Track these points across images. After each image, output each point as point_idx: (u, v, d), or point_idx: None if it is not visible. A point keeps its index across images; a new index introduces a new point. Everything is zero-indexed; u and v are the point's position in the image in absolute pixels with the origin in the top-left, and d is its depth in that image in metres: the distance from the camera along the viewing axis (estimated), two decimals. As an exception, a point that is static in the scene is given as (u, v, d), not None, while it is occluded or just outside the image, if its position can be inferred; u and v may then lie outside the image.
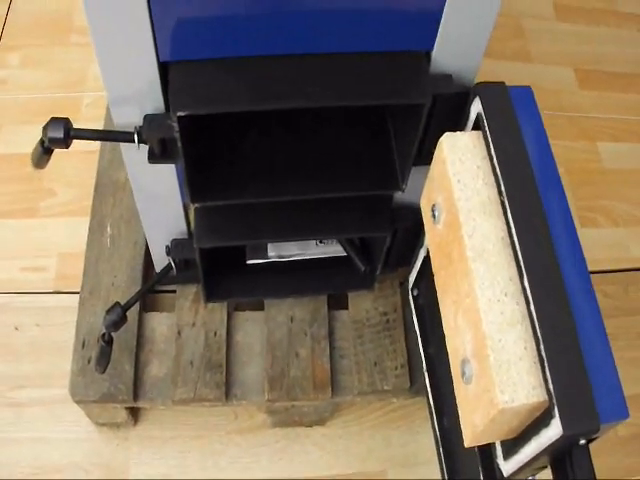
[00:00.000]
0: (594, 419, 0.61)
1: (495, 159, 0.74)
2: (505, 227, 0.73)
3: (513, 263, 0.71)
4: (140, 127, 0.85)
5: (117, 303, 1.08)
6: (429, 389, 1.09)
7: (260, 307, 1.29)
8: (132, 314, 1.18)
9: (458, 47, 0.83)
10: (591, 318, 0.68)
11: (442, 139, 0.79)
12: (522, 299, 0.69)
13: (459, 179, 0.76)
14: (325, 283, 1.24)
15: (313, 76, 0.83)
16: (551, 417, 0.63)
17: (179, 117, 0.80)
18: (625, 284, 1.40)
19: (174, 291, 1.29)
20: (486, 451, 0.83)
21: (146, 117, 0.86)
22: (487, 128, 0.75)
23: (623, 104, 1.67)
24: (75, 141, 0.86)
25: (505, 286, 0.70)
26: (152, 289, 1.20)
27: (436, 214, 0.82)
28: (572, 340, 0.65)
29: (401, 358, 1.21)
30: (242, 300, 1.26)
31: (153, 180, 0.99)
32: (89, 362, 1.18)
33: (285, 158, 0.98)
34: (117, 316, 1.07)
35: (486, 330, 0.68)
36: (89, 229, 1.33)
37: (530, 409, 0.65)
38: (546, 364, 0.64)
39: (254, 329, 1.26)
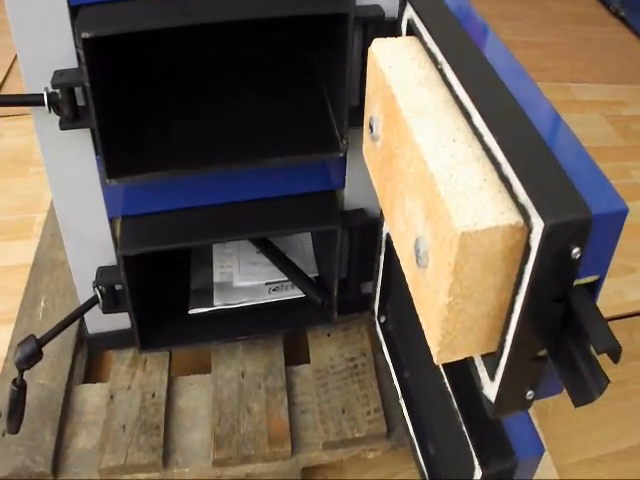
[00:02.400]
0: (583, 212, 0.45)
1: (430, 36, 0.64)
2: (448, 93, 0.61)
3: (460, 118, 0.58)
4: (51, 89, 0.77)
5: (32, 335, 0.92)
6: (407, 416, 0.89)
7: (207, 370, 1.09)
8: (59, 383, 1.04)
9: None
10: (553, 126, 0.54)
11: (371, 46, 0.70)
12: (475, 143, 0.55)
13: (390, 65, 0.66)
14: (279, 323, 1.07)
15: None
16: (529, 249, 0.47)
17: (84, 40, 0.72)
18: (629, 330, 1.33)
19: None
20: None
21: (56, 72, 0.79)
22: (420, 19, 0.66)
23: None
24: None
25: (452, 134, 0.57)
26: (73, 321, 1.02)
27: (374, 127, 0.70)
28: (538, 145, 0.50)
29: (374, 402, 1.01)
30: (183, 348, 1.07)
31: (75, 185, 0.90)
32: (4, 435, 0.97)
33: (216, 131, 0.89)
34: (31, 349, 0.90)
35: (434, 170, 0.53)
36: (21, 305, 1.20)
37: (502, 240, 0.49)
38: (513, 176, 0.49)
39: (200, 393, 1.07)
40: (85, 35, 0.71)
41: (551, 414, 1.15)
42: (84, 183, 0.89)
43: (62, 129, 0.80)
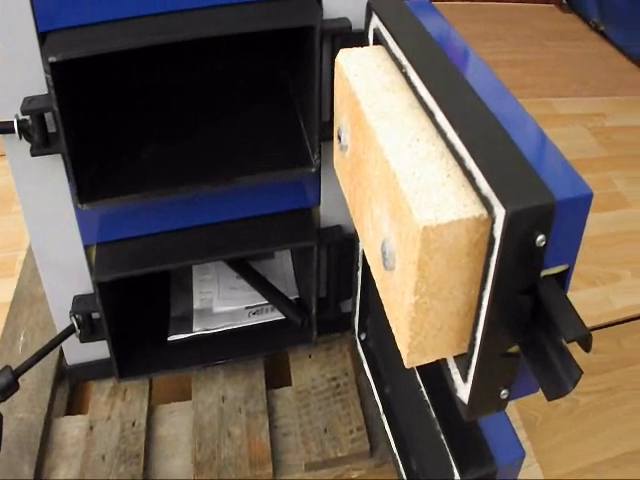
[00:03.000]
0: (546, 197, 0.45)
1: (394, 42, 0.64)
2: (412, 97, 0.61)
3: (424, 118, 0.58)
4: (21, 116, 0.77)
5: (7, 366, 0.90)
6: (389, 432, 0.88)
7: (188, 397, 1.08)
8: (38, 416, 1.02)
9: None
10: (516, 117, 0.54)
11: (337, 57, 0.71)
12: (439, 141, 0.55)
13: (356, 74, 0.66)
14: (259, 345, 1.06)
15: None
16: (494, 240, 0.46)
17: (51, 64, 0.72)
18: (617, 337, 1.33)
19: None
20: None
21: (25, 98, 0.78)
22: (385, 26, 0.67)
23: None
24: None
25: (416, 134, 0.57)
26: (50, 350, 1.00)
27: (342, 136, 0.70)
28: (499, 137, 0.50)
29: (357, 421, 0.99)
30: (162, 375, 1.05)
31: (50, 216, 0.89)
32: (-20, 471, 0.95)
33: (189, 153, 0.89)
34: (6, 380, 0.89)
35: (396, 168, 0.53)
36: (0, 339, 1.18)
37: (466, 234, 0.48)
38: (475, 169, 0.48)
39: (180, 420, 1.05)
40: (52, 59, 0.71)
41: (539, 425, 1.14)
42: (58, 210, 0.88)
43: (33, 155, 0.79)
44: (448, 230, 0.48)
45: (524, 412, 1.14)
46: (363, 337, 0.98)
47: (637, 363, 1.28)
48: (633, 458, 1.11)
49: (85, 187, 0.82)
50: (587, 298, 1.39)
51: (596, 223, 1.58)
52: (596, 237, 1.55)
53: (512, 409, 1.06)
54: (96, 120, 0.90)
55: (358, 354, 0.99)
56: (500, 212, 0.44)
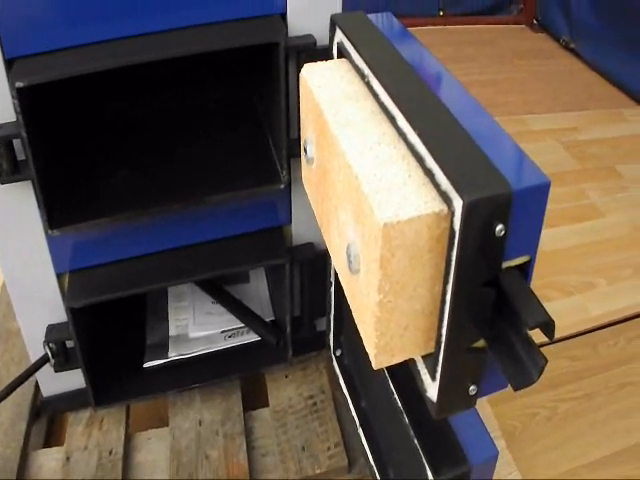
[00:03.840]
0: (502, 187, 0.46)
1: (356, 52, 0.66)
2: (375, 104, 0.63)
3: (386, 124, 0.60)
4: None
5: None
6: (366, 445, 0.87)
7: (166, 424, 1.07)
8: (14, 450, 1.01)
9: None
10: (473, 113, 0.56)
11: (302, 70, 0.72)
12: (400, 144, 0.57)
13: (319, 85, 0.68)
14: (235, 367, 1.06)
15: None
16: (454, 234, 0.47)
17: (18, 90, 0.73)
18: (593, 344, 1.35)
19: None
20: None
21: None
22: (347, 38, 0.68)
23: (553, 196, 1.70)
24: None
25: (378, 138, 0.58)
26: (23, 381, 0.99)
27: (307, 149, 0.71)
28: (456, 133, 0.52)
29: (334, 437, 0.99)
30: (139, 401, 1.04)
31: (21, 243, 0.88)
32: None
33: (159, 177, 0.90)
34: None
35: (358, 171, 0.54)
36: (-24, 377, 1.16)
37: (427, 230, 0.49)
38: (434, 166, 0.50)
39: (158, 446, 1.04)
40: (19, 84, 0.71)
41: (519, 435, 1.15)
42: (29, 238, 0.87)
43: (2, 183, 0.79)
44: (409, 226, 0.49)
45: (503, 422, 1.15)
46: (338, 353, 0.99)
47: (613, 368, 1.30)
48: (612, 461, 1.12)
49: (55, 213, 0.82)
50: (564, 307, 1.41)
51: (571, 234, 1.62)
52: (571, 248, 1.59)
53: (491, 420, 1.07)
54: (66, 146, 0.91)
55: (334, 371, 0.99)
56: (458, 204, 0.45)
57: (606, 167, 1.91)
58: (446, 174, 0.47)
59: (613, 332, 1.39)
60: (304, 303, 1.02)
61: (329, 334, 0.98)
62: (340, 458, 0.97)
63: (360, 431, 0.89)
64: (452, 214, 0.47)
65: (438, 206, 0.49)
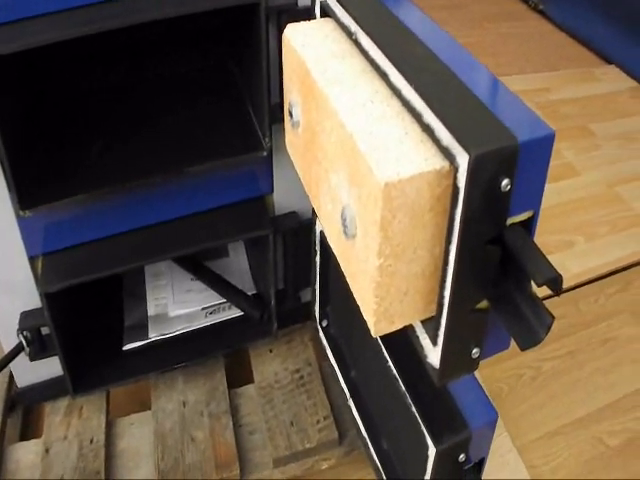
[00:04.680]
0: (508, 139, 0.44)
1: (342, 9, 0.63)
2: (364, 62, 0.60)
3: (377, 81, 0.57)
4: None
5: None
6: (357, 416, 0.86)
7: (148, 407, 1.04)
8: None
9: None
10: (471, 67, 0.54)
11: (284, 31, 0.69)
12: (394, 101, 0.55)
13: (304, 44, 0.65)
14: (218, 344, 1.03)
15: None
16: (458, 191, 0.45)
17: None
18: (574, 301, 1.36)
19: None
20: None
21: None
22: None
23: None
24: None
25: (369, 96, 0.56)
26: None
27: (293, 112, 0.68)
28: (456, 86, 0.50)
29: (323, 410, 0.97)
30: (119, 385, 1.01)
31: None
32: None
33: (137, 151, 0.86)
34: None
35: (352, 129, 0.52)
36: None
37: (429, 188, 0.47)
38: (434, 120, 0.48)
39: (141, 431, 1.02)
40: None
41: (505, 396, 1.15)
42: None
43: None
44: (410, 185, 0.47)
45: (489, 384, 1.15)
46: (325, 324, 0.97)
47: (594, 325, 1.31)
48: (596, 417, 1.14)
49: (26, 192, 0.77)
50: (543, 268, 1.42)
51: (548, 194, 1.60)
52: (548, 207, 1.58)
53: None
54: (37, 120, 0.86)
55: (320, 342, 0.98)
56: (463, 159, 0.43)
57: (579, 126, 1.91)
58: (448, 128, 0.45)
59: (594, 289, 1.40)
60: (288, 274, 1.00)
61: (314, 305, 0.96)
62: (330, 431, 0.95)
63: (350, 402, 0.88)
64: (455, 170, 0.45)
65: (439, 163, 0.47)
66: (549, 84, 2.08)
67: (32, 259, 0.88)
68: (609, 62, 2.20)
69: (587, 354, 1.25)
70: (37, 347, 0.93)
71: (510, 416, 1.11)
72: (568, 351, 1.25)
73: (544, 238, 1.51)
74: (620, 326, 1.31)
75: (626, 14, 2.09)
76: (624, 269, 1.45)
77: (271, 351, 1.07)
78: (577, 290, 1.39)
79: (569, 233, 1.53)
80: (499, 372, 1.18)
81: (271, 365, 1.05)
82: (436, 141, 0.47)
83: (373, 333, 0.54)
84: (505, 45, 2.32)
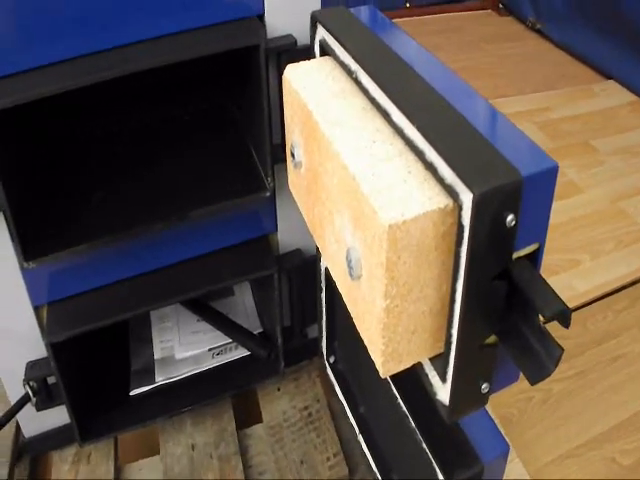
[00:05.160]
0: (512, 175, 0.45)
1: (342, 48, 0.64)
2: (365, 101, 0.61)
3: (379, 120, 0.58)
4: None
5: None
6: (367, 451, 0.86)
7: (157, 452, 1.04)
8: None
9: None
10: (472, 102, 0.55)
11: (284, 72, 0.70)
12: (397, 140, 0.55)
13: (305, 86, 0.66)
14: (225, 385, 1.03)
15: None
16: (463, 228, 0.46)
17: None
18: (582, 321, 1.34)
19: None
20: None
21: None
22: (331, 34, 0.66)
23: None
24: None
25: (371, 136, 0.56)
26: (3, 425, 0.95)
27: (295, 153, 0.69)
28: (458, 123, 0.50)
29: (333, 447, 0.97)
30: (127, 431, 1.00)
31: None
32: None
33: (139, 197, 0.87)
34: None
35: (355, 171, 0.53)
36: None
37: (433, 227, 0.48)
38: (437, 159, 0.48)
39: (150, 476, 1.02)
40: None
41: (516, 421, 1.14)
42: (3, 272, 0.83)
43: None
44: (415, 225, 0.47)
45: (499, 410, 1.14)
46: (332, 360, 0.97)
47: (603, 342, 1.30)
48: (610, 436, 1.12)
49: (30, 243, 0.77)
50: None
51: (552, 213, 1.61)
52: (553, 226, 1.58)
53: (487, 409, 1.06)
54: (37, 173, 0.87)
55: (328, 378, 0.97)
56: (467, 197, 0.44)
57: (581, 143, 1.92)
58: (451, 166, 0.45)
59: (601, 306, 1.38)
60: (294, 311, 1.00)
61: (321, 341, 0.96)
62: (340, 468, 0.95)
63: (360, 438, 0.87)
64: (460, 208, 0.45)
65: (443, 201, 0.48)
66: (549, 103, 2.09)
67: (37, 309, 0.88)
68: (608, 77, 2.21)
69: (597, 373, 1.24)
70: (43, 397, 0.93)
71: (522, 441, 1.10)
72: (578, 371, 1.23)
73: (549, 258, 1.51)
74: (629, 342, 1.30)
75: (623, 29, 2.10)
76: (631, 284, 1.44)
77: (279, 389, 1.06)
78: (584, 309, 1.38)
79: (574, 252, 1.52)
80: (508, 396, 1.17)
81: (279, 404, 1.04)
82: (439, 179, 0.48)
83: (382, 374, 0.54)
84: (503, 66, 2.33)
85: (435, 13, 2.66)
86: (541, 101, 2.11)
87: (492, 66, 2.34)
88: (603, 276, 1.45)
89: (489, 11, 2.74)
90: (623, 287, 1.43)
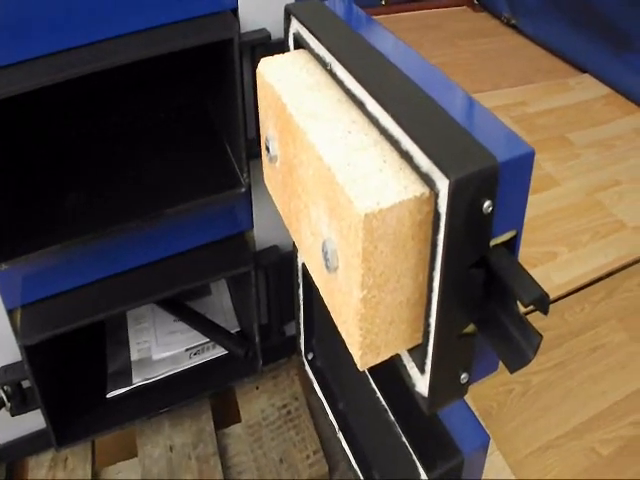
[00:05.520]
0: (488, 160, 0.44)
1: (316, 40, 0.63)
2: (340, 93, 0.61)
3: (355, 111, 0.58)
4: None
5: None
6: (347, 448, 0.85)
7: (135, 454, 1.03)
8: None
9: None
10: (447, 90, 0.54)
11: (258, 65, 0.69)
12: (372, 130, 0.55)
13: (279, 79, 0.65)
14: (203, 385, 1.02)
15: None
16: (439, 216, 0.45)
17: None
18: (560, 312, 1.35)
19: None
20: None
21: None
22: (305, 27, 0.65)
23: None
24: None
25: (347, 127, 0.56)
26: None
27: (270, 146, 0.68)
28: (433, 111, 0.50)
29: (312, 445, 0.97)
30: (104, 434, 0.99)
31: None
32: None
33: (112, 197, 0.85)
34: None
35: (330, 162, 0.52)
36: None
37: (410, 216, 0.48)
38: (412, 147, 0.48)
39: (128, 478, 0.99)
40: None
41: (496, 414, 1.14)
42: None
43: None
44: (391, 214, 0.47)
45: (478, 403, 1.15)
46: (310, 357, 0.96)
47: (581, 334, 1.31)
48: (589, 426, 1.13)
49: (2, 245, 0.76)
50: (528, 280, 1.43)
51: (529, 206, 1.62)
52: (530, 219, 1.60)
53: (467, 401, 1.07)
54: (9, 176, 0.86)
55: (307, 375, 0.97)
56: (443, 184, 0.43)
57: (557, 137, 1.93)
58: (427, 154, 0.45)
59: (578, 298, 1.39)
60: (272, 309, 0.99)
61: (299, 338, 0.95)
62: (320, 466, 0.94)
63: (340, 435, 0.87)
64: (436, 196, 0.45)
65: (419, 189, 0.47)
66: (525, 97, 2.11)
67: (10, 312, 0.87)
68: (583, 71, 2.24)
69: (576, 364, 1.25)
70: (18, 401, 0.91)
71: (502, 433, 1.10)
72: (557, 362, 1.24)
73: (527, 250, 1.51)
74: (607, 333, 1.31)
75: (595, 22, 2.12)
76: (608, 275, 1.45)
77: (257, 388, 1.06)
78: (562, 301, 1.39)
79: (552, 244, 1.53)
80: (488, 389, 1.17)
81: (257, 402, 1.04)
82: (415, 168, 0.48)
83: (360, 366, 0.54)
84: (479, 61, 2.34)
85: (411, 10, 2.67)
86: (517, 95, 2.12)
87: (468, 62, 2.35)
88: (580, 268, 1.47)
89: (464, 7, 2.76)
90: (600, 278, 1.45)
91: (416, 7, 2.71)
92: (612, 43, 2.09)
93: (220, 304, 1.14)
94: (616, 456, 1.09)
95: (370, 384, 0.71)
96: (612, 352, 1.27)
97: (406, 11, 2.67)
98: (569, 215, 1.63)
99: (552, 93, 2.14)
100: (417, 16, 2.67)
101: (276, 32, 0.78)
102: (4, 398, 0.90)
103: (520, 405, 1.16)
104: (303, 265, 0.86)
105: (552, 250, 1.52)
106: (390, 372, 0.60)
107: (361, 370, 0.55)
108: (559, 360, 1.25)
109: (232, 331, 1.07)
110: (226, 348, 1.03)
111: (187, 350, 1.08)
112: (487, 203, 0.44)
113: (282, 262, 0.94)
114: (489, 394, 1.17)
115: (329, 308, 0.58)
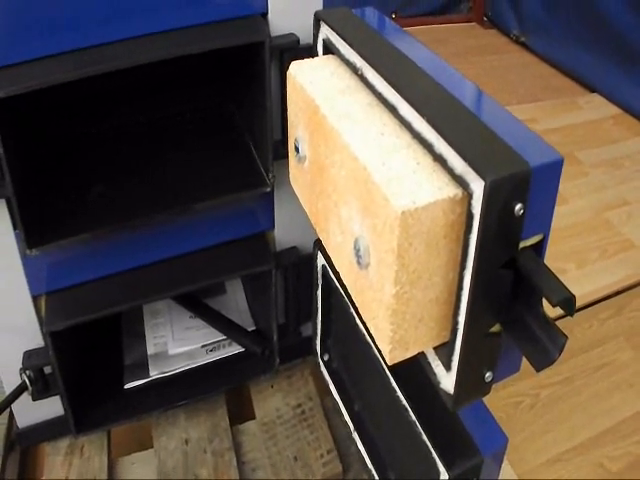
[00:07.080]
0: (521, 165, 0.46)
1: (347, 46, 0.65)
2: (371, 96, 0.63)
3: (386, 115, 0.60)
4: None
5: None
6: (363, 449, 0.86)
7: (150, 445, 1.04)
8: None
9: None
10: (478, 99, 0.56)
11: (289, 68, 0.71)
12: (404, 133, 0.57)
13: (311, 81, 0.67)
14: (219, 381, 1.03)
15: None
16: (472, 217, 0.47)
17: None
18: (569, 328, 1.34)
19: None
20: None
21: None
22: (336, 33, 0.67)
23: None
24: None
25: (379, 129, 0.58)
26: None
27: (299, 147, 0.70)
28: (466, 117, 0.52)
29: (326, 444, 0.98)
30: (121, 424, 1.00)
31: None
32: None
33: (139, 191, 0.87)
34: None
35: (366, 162, 0.54)
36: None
37: (443, 216, 0.49)
38: (447, 150, 0.50)
39: (143, 470, 1.01)
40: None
41: (504, 425, 1.14)
42: (2, 260, 0.83)
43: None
44: (425, 213, 0.48)
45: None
46: (326, 358, 0.97)
47: (589, 350, 1.31)
48: (596, 442, 1.13)
49: (33, 231, 0.78)
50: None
51: None
52: None
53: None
54: (40, 169, 0.87)
55: (322, 376, 0.98)
56: (478, 185, 0.45)
57: (566, 155, 1.92)
58: (462, 157, 0.47)
59: (587, 315, 1.40)
60: (289, 309, 1.01)
61: (315, 339, 0.97)
62: (334, 465, 0.96)
63: (355, 435, 0.88)
64: (470, 197, 0.47)
65: (452, 191, 0.49)
66: (534, 115, 2.11)
67: (35, 298, 0.88)
68: (592, 90, 2.24)
69: (584, 380, 1.26)
70: (40, 386, 0.93)
71: (510, 444, 1.11)
72: (565, 377, 1.25)
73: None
74: (615, 351, 1.32)
75: (607, 41, 2.13)
76: (616, 294, 1.46)
77: (272, 386, 1.07)
78: (570, 317, 1.39)
79: (560, 261, 1.54)
80: (496, 400, 1.18)
81: (272, 401, 1.05)
82: (449, 170, 0.49)
83: (388, 361, 0.55)
84: (489, 78, 2.35)
85: (421, 25, 2.70)
86: (526, 113, 2.13)
87: (477, 78, 2.36)
88: (589, 285, 1.48)
89: (474, 24, 2.78)
90: (608, 296, 1.45)
91: (426, 22, 2.73)
92: (622, 62, 2.10)
93: (235, 303, 1.16)
94: (625, 471, 1.10)
95: (390, 384, 0.73)
96: (619, 370, 1.28)
97: (416, 25, 2.69)
98: (578, 233, 1.64)
99: (561, 111, 2.16)
100: (426, 31, 2.68)
101: (304, 37, 0.80)
102: (27, 382, 0.91)
103: (529, 417, 1.17)
104: (323, 267, 0.87)
105: (561, 267, 1.53)
106: (411, 371, 0.61)
107: (390, 364, 0.56)
108: (567, 375, 1.26)
109: (248, 329, 1.08)
110: (243, 346, 1.04)
111: (203, 346, 1.09)
112: (519, 206, 0.46)
113: (301, 263, 0.96)
114: (498, 405, 1.18)
115: (357, 305, 0.59)
